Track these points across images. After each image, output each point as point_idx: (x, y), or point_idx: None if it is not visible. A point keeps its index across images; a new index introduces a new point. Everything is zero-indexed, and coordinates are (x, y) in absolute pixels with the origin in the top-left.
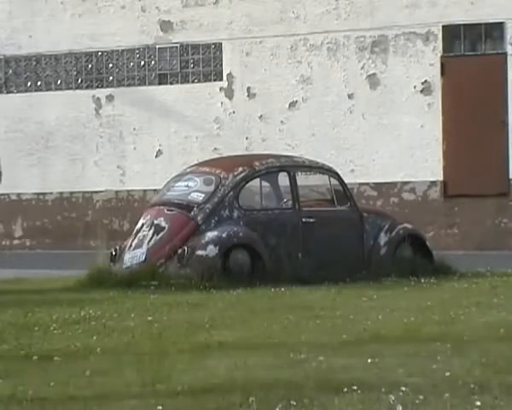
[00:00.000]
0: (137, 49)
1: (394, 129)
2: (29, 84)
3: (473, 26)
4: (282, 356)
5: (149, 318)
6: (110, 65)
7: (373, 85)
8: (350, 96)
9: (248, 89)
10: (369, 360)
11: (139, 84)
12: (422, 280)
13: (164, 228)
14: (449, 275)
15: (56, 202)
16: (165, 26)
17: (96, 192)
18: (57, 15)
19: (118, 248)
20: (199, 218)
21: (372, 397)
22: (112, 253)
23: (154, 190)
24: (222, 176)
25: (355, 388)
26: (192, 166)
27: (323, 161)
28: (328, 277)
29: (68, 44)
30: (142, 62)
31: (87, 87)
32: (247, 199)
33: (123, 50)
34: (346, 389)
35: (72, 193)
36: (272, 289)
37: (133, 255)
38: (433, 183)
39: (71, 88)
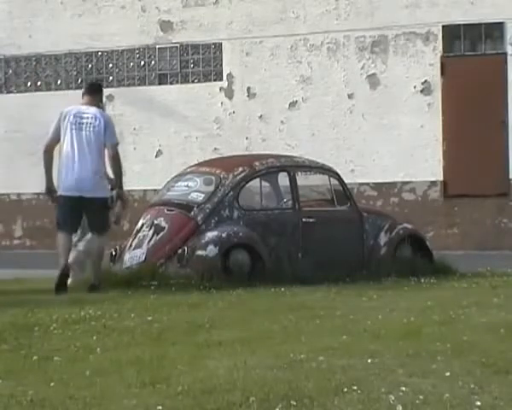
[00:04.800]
0: (137, 49)
1: (394, 129)
2: (29, 84)
3: (473, 26)
4: (282, 356)
5: (149, 318)
6: (110, 65)
7: (373, 85)
8: (350, 96)
9: (248, 89)
10: (369, 360)
11: (139, 84)
12: (422, 280)
13: (164, 228)
14: (449, 275)
15: None
16: (165, 26)
17: None
18: (57, 15)
19: (118, 248)
20: (199, 218)
21: (372, 397)
22: (112, 253)
23: (154, 190)
24: (222, 176)
25: (355, 388)
26: (192, 166)
27: (323, 161)
28: (328, 277)
29: (68, 44)
30: (142, 62)
31: None
32: (247, 199)
33: (123, 50)
34: (346, 389)
35: None
36: (272, 289)
37: (133, 255)
38: (433, 183)
39: (71, 88)
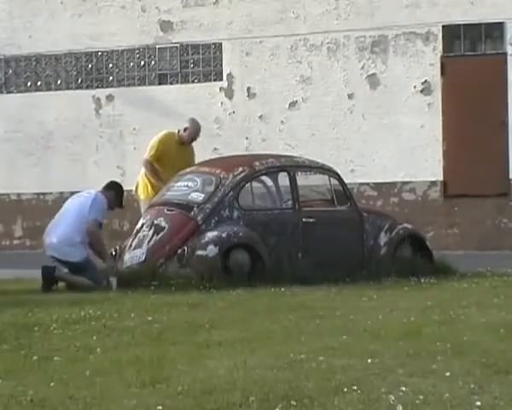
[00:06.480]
0: (137, 49)
1: (394, 129)
2: (29, 84)
3: (473, 26)
4: (282, 356)
5: (149, 318)
6: (110, 65)
7: (373, 85)
8: (350, 96)
9: (248, 89)
10: (369, 360)
11: (139, 84)
12: (422, 280)
13: (164, 228)
14: (449, 275)
15: (56, 202)
16: (165, 26)
17: None
18: (57, 15)
19: (118, 248)
20: (199, 218)
21: (372, 397)
22: (112, 253)
23: None
24: (222, 176)
25: (355, 388)
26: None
27: (323, 161)
28: (328, 277)
29: (68, 44)
30: (142, 62)
31: (87, 87)
32: (247, 199)
33: (123, 50)
34: (346, 389)
35: (72, 193)
36: (272, 289)
37: (133, 255)
38: (433, 183)
39: (71, 88)
